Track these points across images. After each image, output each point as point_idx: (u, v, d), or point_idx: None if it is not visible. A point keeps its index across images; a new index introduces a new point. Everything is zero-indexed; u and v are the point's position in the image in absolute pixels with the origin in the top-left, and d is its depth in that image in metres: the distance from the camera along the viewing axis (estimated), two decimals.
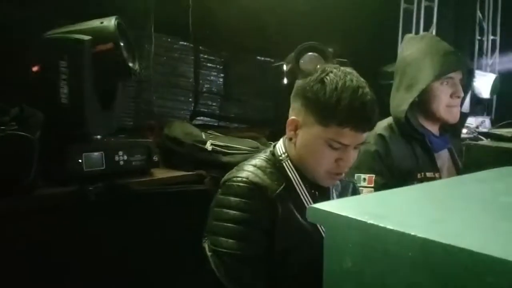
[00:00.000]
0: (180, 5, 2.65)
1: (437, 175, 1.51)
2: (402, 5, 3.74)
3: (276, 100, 2.48)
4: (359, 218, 0.55)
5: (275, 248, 1.07)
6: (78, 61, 1.49)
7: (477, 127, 2.92)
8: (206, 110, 3.16)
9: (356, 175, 1.44)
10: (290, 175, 1.14)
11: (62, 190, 1.48)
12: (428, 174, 1.50)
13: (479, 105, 3.76)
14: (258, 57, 3.38)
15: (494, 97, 3.89)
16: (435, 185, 0.98)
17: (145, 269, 1.62)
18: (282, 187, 1.10)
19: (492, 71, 4.20)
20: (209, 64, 3.19)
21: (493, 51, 4.38)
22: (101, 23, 1.55)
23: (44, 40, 1.53)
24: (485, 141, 1.55)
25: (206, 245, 1.09)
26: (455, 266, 0.46)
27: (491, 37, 4.36)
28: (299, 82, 1.14)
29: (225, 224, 1.06)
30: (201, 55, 3.10)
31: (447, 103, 1.53)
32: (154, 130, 2.22)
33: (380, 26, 3.45)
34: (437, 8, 3.76)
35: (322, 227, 1.02)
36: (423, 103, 1.54)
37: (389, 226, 0.52)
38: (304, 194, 1.13)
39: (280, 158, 1.16)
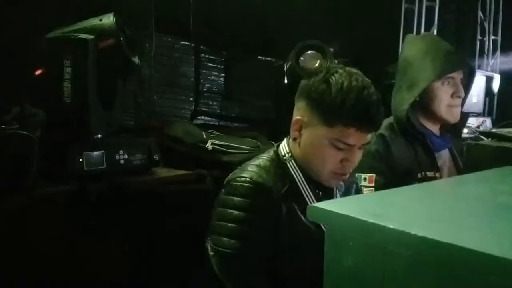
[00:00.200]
0: (181, 5, 2.64)
1: (437, 174, 1.51)
2: (404, 5, 3.74)
3: (277, 100, 2.47)
4: (359, 217, 0.55)
5: (279, 248, 1.07)
6: (83, 61, 1.50)
7: (478, 127, 2.91)
8: (207, 109, 3.16)
9: (356, 174, 1.44)
10: (294, 175, 1.14)
11: (63, 188, 1.48)
12: (429, 174, 1.50)
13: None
14: (259, 57, 3.37)
15: (495, 97, 3.88)
16: (436, 185, 0.98)
17: (146, 268, 1.62)
18: (286, 187, 1.10)
19: (493, 71, 4.19)
20: (210, 64, 3.19)
21: (494, 51, 4.37)
22: (100, 20, 1.55)
23: (48, 40, 1.53)
24: (486, 141, 1.55)
25: (208, 245, 1.09)
26: (455, 264, 0.47)
27: (492, 37, 4.35)
28: (303, 82, 1.14)
29: (228, 224, 1.06)
30: (202, 54, 3.09)
31: (448, 103, 1.53)
32: (155, 130, 2.22)
33: (381, 26, 3.44)
34: (439, 8, 3.75)
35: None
36: (424, 103, 1.54)
37: (390, 225, 0.52)
38: (308, 194, 1.13)
39: (284, 158, 1.16)
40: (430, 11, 3.75)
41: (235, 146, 2.01)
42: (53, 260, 1.40)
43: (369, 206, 0.62)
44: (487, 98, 3.72)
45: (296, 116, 1.14)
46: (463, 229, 0.54)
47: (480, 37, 4.30)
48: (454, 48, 1.57)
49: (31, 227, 1.37)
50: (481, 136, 2.09)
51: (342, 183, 1.23)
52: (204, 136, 2.06)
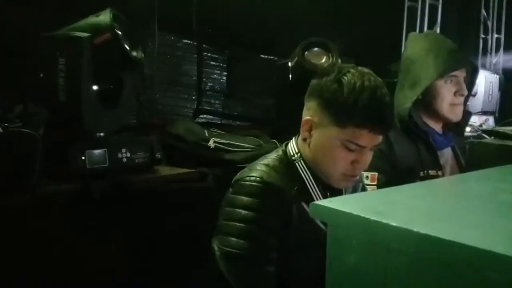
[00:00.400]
0: (184, 3, 2.64)
1: (440, 173, 1.51)
2: (406, 3, 3.73)
3: (280, 98, 2.46)
4: (362, 215, 0.55)
5: (288, 248, 1.06)
6: (75, 58, 1.49)
7: (480, 125, 2.91)
8: (209, 108, 3.15)
9: None
10: (303, 175, 1.12)
11: (66, 187, 1.48)
12: (431, 172, 1.50)
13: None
14: (262, 56, 3.37)
15: (498, 95, 3.87)
16: (438, 183, 0.98)
17: (148, 266, 1.63)
18: (296, 187, 1.08)
19: (496, 70, 4.18)
20: (212, 63, 3.19)
21: (497, 49, 4.36)
22: (97, 16, 1.55)
23: (43, 39, 1.53)
24: (489, 139, 1.55)
25: (215, 245, 1.07)
26: (457, 262, 0.47)
27: (495, 36, 4.34)
28: (314, 82, 1.12)
29: (237, 224, 1.04)
30: (205, 53, 3.09)
31: (450, 101, 1.53)
32: (157, 128, 2.22)
33: (384, 24, 3.44)
34: (442, 6, 3.75)
35: None
36: (426, 101, 1.54)
37: (392, 223, 0.52)
38: (317, 195, 1.11)
39: (293, 158, 1.14)
40: (433, 9, 3.74)
41: (237, 145, 2.01)
42: (56, 258, 1.40)
43: (372, 204, 0.62)
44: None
45: (306, 116, 1.12)
46: (465, 227, 0.53)
47: (483, 35, 4.29)
48: (457, 46, 1.56)
49: (34, 225, 1.38)
50: (484, 135, 2.09)
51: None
52: (206, 135, 2.06)
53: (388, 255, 0.52)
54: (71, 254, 1.44)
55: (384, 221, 0.53)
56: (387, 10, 3.50)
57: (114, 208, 1.54)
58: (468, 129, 1.98)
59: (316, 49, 2.40)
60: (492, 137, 1.52)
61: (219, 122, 3.10)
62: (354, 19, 3.21)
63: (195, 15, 2.66)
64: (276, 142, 2.10)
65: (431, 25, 3.72)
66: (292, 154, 1.16)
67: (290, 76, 2.38)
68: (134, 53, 1.61)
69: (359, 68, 1.09)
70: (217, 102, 3.24)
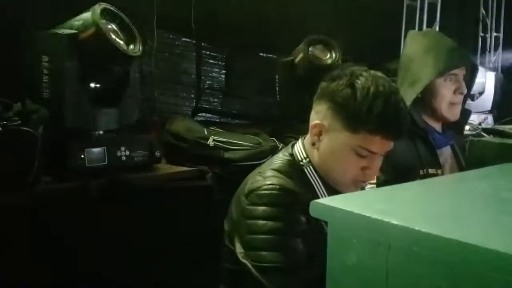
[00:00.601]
0: (183, 1, 2.64)
1: (439, 171, 1.51)
2: (406, 1, 3.73)
3: (284, 96, 2.44)
4: (363, 213, 0.55)
5: (308, 250, 1.03)
6: (59, 56, 1.49)
7: (479, 123, 2.91)
8: (208, 106, 3.15)
9: None
10: (312, 181, 1.10)
11: (65, 185, 1.48)
12: (431, 171, 1.50)
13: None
14: (260, 54, 3.37)
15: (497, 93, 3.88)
16: (438, 181, 0.98)
17: (147, 264, 1.62)
18: (308, 193, 1.05)
19: (495, 68, 4.19)
20: (211, 61, 3.18)
21: (496, 48, 4.36)
22: (87, 12, 1.54)
23: (31, 37, 1.54)
24: (488, 137, 1.55)
25: (247, 262, 1.01)
26: (458, 260, 0.47)
27: (494, 34, 4.34)
28: (324, 84, 1.09)
29: (265, 236, 1.00)
30: (203, 51, 3.09)
31: (450, 99, 1.53)
32: (156, 126, 2.22)
33: (383, 23, 3.44)
34: (441, 4, 3.75)
35: None
36: (426, 100, 1.54)
37: (393, 221, 0.52)
38: None
39: (302, 163, 1.12)
40: (432, 7, 3.74)
41: (237, 143, 2.01)
42: (54, 256, 1.40)
43: (373, 202, 0.62)
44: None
45: (315, 120, 1.09)
46: (467, 225, 0.54)
47: (482, 34, 4.29)
48: (456, 44, 1.56)
49: (33, 223, 1.37)
50: (483, 133, 2.09)
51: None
52: (206, 133, 2.06)
53: (389, 253, 0.52)
54: (70, 252, 1.43)
55: (385, 219, 0.52)
56: (386, 9, 3.50)
57: (113, 206, 1.54)
58: (467, 127, 1.98)
59: (319, 46, 2.41)
60: (492, 136, 1.52)
61: (217, 120, 3.10)
62: (353, 17, 3.21)
63: (194, 13, 2.65)
64: (276, 140, 2.10)
65: (430, 24, 3.71)
66: (300, 159, 1.12)
67: (297, 72, 2.37)
68: (131, 46, 1.58)
69: (372, 71, 1.06)
70: (215, 100, 3.23)
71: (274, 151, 1.94)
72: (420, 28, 3.60)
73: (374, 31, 3.30)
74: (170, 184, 1.76)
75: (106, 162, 1.58)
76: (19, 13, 1.82)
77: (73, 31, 1.51)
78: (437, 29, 3.61)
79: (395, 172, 1.46)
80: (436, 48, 1.51)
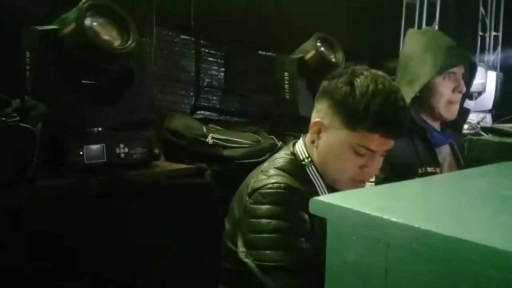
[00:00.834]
0: None
1: (438, 170, 1.51)
2: (405, 0, 3.73)
3: (290, 95, 2.43)
4: (363, 211, 0.55)
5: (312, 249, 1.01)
6: (39, 52, 1.50)
7: (478, 122, 2.91)
8: (206, 104, 3.15)
9: None
10: (314, 181, 1.10)
11: (63, 182, 1.48)
12: (429, 169, 1.50)
13: None
14: (260, 52, 3.37)
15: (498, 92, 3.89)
16: (438, 179, 0.98)
17: (145, 261, 1.63)
18: (310, 193, 1.02)
19: (494, 67, 4.20)
20: (210, 58, 3.18)
21: (495, 47, 4.37)
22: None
23: (19, 34, 1.54)
24: (487, 136, 1.55)
25: (249, 262, 1.00)
26: (457, 258, 0.47)
27: (493, 33, 4.34)
28: (325, 83, 1.09)
29: (268, 235, 0.99)
30: (202, 49, 3.09)
31: (448, 98, 1.53)
32: (155, 123, 2.22)
33: (383, 21, 3.44)
34: (440, 3, 3.75)
35: None
36: (424, 98, 1.54)
37: (393, 219, 0.52)
38: None
39: (303, 162, 1.11)
40: (431, 6, 3.74)
41: (236, 141, 2.01)
42: (53, 253, 1.40)
43: (372, 200, 0.62)
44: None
45: (315, 118, 1.09)
46: (466, 223, 0.54)
47: (481, 33, 4.30)
48: (455, 43, 1.56)
49: (31, 220, 1.37)
50: (481, 132, 2.09)
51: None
52: (205, 130, 2.06)
53: (388, 251, 0.52)
54: (68, 248, 1.43)
55: (385, 216, 0.52)
56: (386, 7, 3.50)
57: (112, 204, 1.54)
58: (466, 126, 1.98)
59: (324, 44, 2.41)
60: (490, 135, 1.52)
61: (216, 118, 3.10)
62: (352, 15, 3.21)
63: (193, 11, 2.65)
64: (274, 138, 2.10)
65: (430, 22, 3.72)
66: (302, 158, 1.12)
67: (308, 69, 2.35)
68: (116, 43, 1.54)
69: (373, 70, 1.06)
70: (214, 98, 3.23)
71: (273, 149, 1.94)
72: (420, 27, 3.60)
73: (373, 30, 3.31)
74: (169, 181, 1.75)
75: (105, 159, 1.58)
76: (19, 11, 1.82)
77: (54, 27, 1.51)
78: (436, 27, 3.62)
79: (393, 171, 1.46)
80: (435, 47, 1.51)
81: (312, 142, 1.11)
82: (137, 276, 1.61)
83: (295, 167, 1.10)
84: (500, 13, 4.34)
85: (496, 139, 1.30)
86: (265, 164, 1.14)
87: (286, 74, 2.39)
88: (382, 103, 0.99)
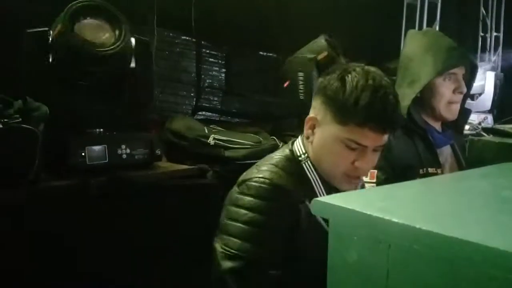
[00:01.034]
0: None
1: (439, 170, 1.51)
2: (406, 1, 3.73)
3: (305, 96, 2.43)
4: (364, 211, 0.55)
5: (296, 250, 1.04)
6: (31, 54, 1.53)
7: (479, 123, 2.91)
8: (207, 105, 3.16)
9: None
10: (310, 177, 1.10)
11: (65, 183, 1.48)
12: (430, 170, 1.50)
13: None
14: (260, 52, 3.37)
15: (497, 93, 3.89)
16: (439, 180, 0.99)
17: (147, 262, 1.63)
18: (304, 189, 1.06)
19: (495, 68, 4.19)
20: (211, 59, 3.19)
21: (496, 47, 4.37)
22: None
23: (20, 34, 1.56)
24: (488, 137, 1.55)
25: (217, 245, 1.04)
26: (459, 258, 0.47)
27: (494, 34, 4.34)
28: (320, 80, 1.11)
29: (242, 225, 1.02)
30: (203, 50, 3.10)
31: (449, 99, 1.53)
32: (156, 124, 2.22)
33: (383, 22, 3.44)
34: (441, 3, 3.75)
35: None
36: (425, 99, 1.54)
37: (394, 219, 0.52)
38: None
39: (300, 158, 1.12)
40: (432, 6, 3.74)
41: (237, 141, 2.02)
42: (54, 253, 1.40)
43: (373, 200, 0.62)
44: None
45: (311, 114, 1.11)
46: (467, 223, 0.54)
47: (482, 34, 4.30)
48: (456, 44, 1.56)
49: (33, 221, 1.38)
50: (483, 133, 2.09)
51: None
52: (206, 131, 2.06)
53: (389, 251, 0.53)
54: (68, 248, 1.43)
55: (386, 217, 0.53)
56: (386, 8, 3.50)
57: (113, 204, 1.54)
58: (467, 127, 1.98)
59: (332, 44, 2.43)
60: (491, 135, 1.52)
61: (217, 119, 3.11)
62: (353, 16, 3.21)
63: (194, 12, 2.65)
64: (276, 139, 2.10)
65: (430, 23, 3.72)
66: (299, 154, 1.13)
67: (320, 70, 2.35)
68: (106, 43, 1.52)
69: (367, 67, 1.07)
70: (215, 99, 3.24)
71: (274, 149, 1.93)
72: (420, 28, 3.60)
73: (374, 31, 3.31)
74: (170, 182, 1.76)
75: (107, 160, 1.58)
76: (19, 11, 1.82)
77: (44, 29, 1.52)
78: (437, 28, 3.62)
79: (394, 171, 1.46)
80: (435, 47, 1.51)
81: (307, 138, 1.12)
82: (138, 276, 1.61)
83: (291, 162, 1.12)
84: (501, 14, 4.34)
85: (497, 139, 1.30)
86: (262, 160, 1.16)
87: (300, 74, 2.38)
88: (371, 97, 1.01)
